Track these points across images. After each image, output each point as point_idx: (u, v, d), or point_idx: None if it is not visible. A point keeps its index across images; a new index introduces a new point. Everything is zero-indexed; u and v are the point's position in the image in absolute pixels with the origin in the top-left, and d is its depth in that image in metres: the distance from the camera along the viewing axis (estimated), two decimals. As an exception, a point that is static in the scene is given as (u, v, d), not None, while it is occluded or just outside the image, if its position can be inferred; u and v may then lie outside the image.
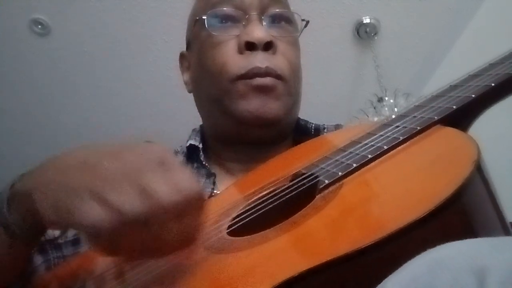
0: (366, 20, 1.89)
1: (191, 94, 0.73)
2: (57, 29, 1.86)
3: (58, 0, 1.77)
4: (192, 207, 0.38)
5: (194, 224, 0.39)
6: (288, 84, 0.64)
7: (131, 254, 0.39)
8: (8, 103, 2.14)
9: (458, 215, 0.33)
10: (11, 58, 1.96)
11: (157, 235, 0.36)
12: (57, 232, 0.59)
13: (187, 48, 0.74)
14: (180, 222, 0.37)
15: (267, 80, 0.61)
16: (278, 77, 0.62)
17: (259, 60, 0.61)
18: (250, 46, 0.62)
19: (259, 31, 0.62)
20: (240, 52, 0.63)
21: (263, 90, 0.61)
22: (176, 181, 0.37)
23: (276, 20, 0.66)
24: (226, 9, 0.65)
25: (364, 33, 1.93)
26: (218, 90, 0.64)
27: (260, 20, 0.64)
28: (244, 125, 0.63)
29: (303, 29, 0.71)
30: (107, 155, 0.39)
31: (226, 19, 0.65)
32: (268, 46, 0.62)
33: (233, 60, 0.63)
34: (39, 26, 1.84)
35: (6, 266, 0.47)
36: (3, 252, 0.45)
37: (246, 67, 0.61)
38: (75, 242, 0.60)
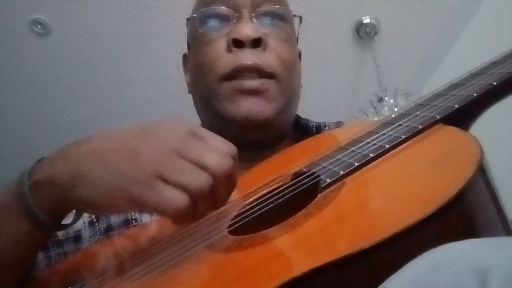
0: (366, 20, 1.89)
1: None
2: (57, 29, 1.86)
3: (58, 0, 1.77)
4: (235, 165, 0.44)
5: (236, 178, 0.45)
6: (281, 82, 0.63)
7: (200, 217, 0.44)
8: (8, 103, 2.14)
9: (460, 216, 0.33)
10: (11, 58, 1.96)
11: (220, 194, 0.43)
12: (61, 233, 0.59)
13: (188, 49, 0.74)
14: (231, 179, 0.43)
15: (256, 83, 0.61)
16: (268, 75, 0.62)
17: (246, 57, 0.61)
18: (237, 43, 0.62)
19: (246, 28, 0.62)
20: (229, 50, 0.62)
21: (252, 92, 0.61)
22: (217, 148, 0.43)
23: (268, 17, 0.65)
24: (217, 8, 0.65)
25: (364, 33, 1.93)
26: (208, 90, 0.64)
27: (251, 18, 0.63)
28: (236, 127, 0.62)
29: (299, 26, 0.70)
30: (140, 138, 0.43)
31: (218, 17, 0.65)
32: (256, 43, 0.62)
33: (222, 58, 0.62)
34: (39, 26, 1.84)
35: (21, 255, 0.48)
36: (22, 239, 0.46)
37: (232, 65, 0.61)
38: (76, 238, 0.60)
